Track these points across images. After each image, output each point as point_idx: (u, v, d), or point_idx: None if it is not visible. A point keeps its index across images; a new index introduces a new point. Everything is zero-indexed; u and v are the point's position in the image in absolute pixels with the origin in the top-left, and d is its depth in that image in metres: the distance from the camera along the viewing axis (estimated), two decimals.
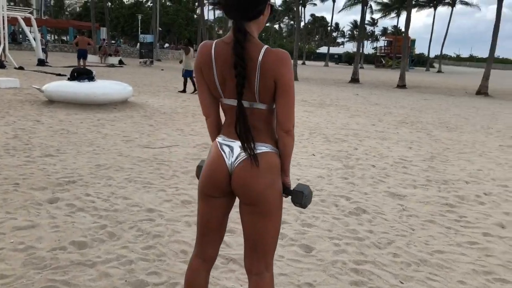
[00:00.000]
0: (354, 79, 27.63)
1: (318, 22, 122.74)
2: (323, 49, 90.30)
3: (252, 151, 1.87)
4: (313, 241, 3.52)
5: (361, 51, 63.51)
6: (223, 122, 2.05)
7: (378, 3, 62.40)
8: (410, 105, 15.18)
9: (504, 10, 22.59)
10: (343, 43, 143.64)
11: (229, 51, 1.82)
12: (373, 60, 73.88)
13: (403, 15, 62.91)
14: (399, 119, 11.42)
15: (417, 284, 2.95)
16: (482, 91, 22.48)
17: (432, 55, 66.54)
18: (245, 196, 1.92)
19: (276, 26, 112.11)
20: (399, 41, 63.60)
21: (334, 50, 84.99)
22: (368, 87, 23.57)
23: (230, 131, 1.94)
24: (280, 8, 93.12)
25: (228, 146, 1.94)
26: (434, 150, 7.52)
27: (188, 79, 14.90)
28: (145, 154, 6.05)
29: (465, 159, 6.90)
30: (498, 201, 4.87)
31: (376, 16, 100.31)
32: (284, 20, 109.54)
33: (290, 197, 2.06)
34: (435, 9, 59.10)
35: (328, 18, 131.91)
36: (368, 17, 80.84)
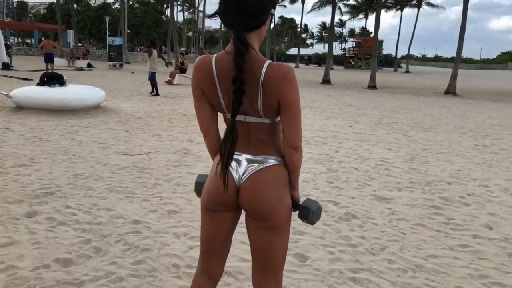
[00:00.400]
0: (326, 80, 27.85)
1: (287, 23, 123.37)
2: (293, 51, 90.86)
3: (226, 173, 1.76)
4: (307, 250, 3.44)
5: (327, 52, 64.20)
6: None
7: (347, 5, 63.31)
8: (383, 106, 15.37)
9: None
10: (312, 45, 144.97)
11: (231, 65, 1.69)
12: (342, 61, 74.84)
13: (371, 17, 64.06)
14: (374, 120, 11.52)
15: None
16: (451, 91, 23.02)
17: (399, 55, 67.79)
18: (254, 211, 1.84)
19: None
20: (368, 42, 64.68)
21: (303, 51, 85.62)
22: (340, 88, 23.79)
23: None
24: None
25: (235, 159, 1.84)
26: (413, 151, 7.59)
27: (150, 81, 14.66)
28: (124, 161, 5.85)
29: (444, 160, 6.98)
30: (481, 201, 4.92)
31: (345, 17, 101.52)
32: None
33: (297, 211, 1.97)
34: (401, 11, 60.32)
35: (297, 20, 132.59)
36: (336, 18, 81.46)
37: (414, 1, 58.59)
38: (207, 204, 1.92)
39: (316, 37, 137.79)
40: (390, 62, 72.59)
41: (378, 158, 6.87)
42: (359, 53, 67.76)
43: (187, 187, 4.85)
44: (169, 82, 19.33)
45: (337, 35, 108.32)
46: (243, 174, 1.82)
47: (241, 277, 2.95)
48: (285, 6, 66.12)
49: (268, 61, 1.71)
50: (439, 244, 3.69)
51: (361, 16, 66.57)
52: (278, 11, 71.69)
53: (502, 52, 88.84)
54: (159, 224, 3.80)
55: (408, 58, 66.52)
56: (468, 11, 23.14)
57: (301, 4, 65.77)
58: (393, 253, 3.46)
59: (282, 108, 1.74)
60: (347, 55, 74.97)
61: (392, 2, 59.63)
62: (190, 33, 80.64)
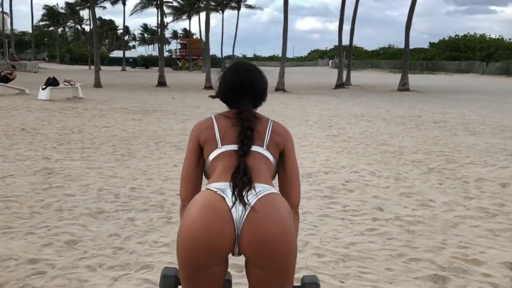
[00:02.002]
0: (162, 83, 27.44)
1: (107, 25, 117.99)
2: (116, 53, 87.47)
3: (247, 200, 1.48)
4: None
5: (159, 54, 63.51)
6: (212, 176, 1.66)
7: (169, 6, 63.15)
8: None
9: (274, 12, 25.34)
10: (134, 47, 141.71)
11: (235, 127, 1.71)
12: (170, 62, 74.62)
13: (194, 19, 65.15)
14: None
15: (356, 281, 3.03)
16: (280, 87, 24.81)
17: (221, 55, 70.28)
18: (269, 260, 1.48)
19: (60, 30, 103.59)
20: (193, 43, 65.90)
21: (128, 54, 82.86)
22: (178, 90, 23.69)
23: (228, 177, 1.56)
24: (63, 11, 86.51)
25: (228, 196, 1.51)
26: None
27: None
28: None
29: (309, 152, 7.46)
30: (361, 186, 5.38)
31: (168, 19, 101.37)
32: (69, 23, 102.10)
33: None
34: (223, 12, 62.77)
35: (117, 22, 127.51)
36: (158, 20, 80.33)
37: (234, 4, 61.51)
38: (192, 261, 1.49)
39: (138, 39, 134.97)
40: (216, 62, 74.93)
41: None
42: (186, 54, 68.51)
43: (73, 211, 4.26)
44: None
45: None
46: (243, 211, 1.48)
47: None
48: (105, 7, 63.21)
49: (270, 119, 1.79)
50: (350, 232, 3.92)
51: (184, 17, 67.19)
52: (97, 13, 67.38)
53: (311, 50, 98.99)
54: (63, 259, 3.25)
55: (233, 58, 69.61)
56: (276, 13, 25.73)
57: (121, 6, 63.70)
58: (317, 247, 3.55)
59: (285, 157, 1.76)
60: (173, 56, 74.97)
61: (214, 4, 61.57)
62: None
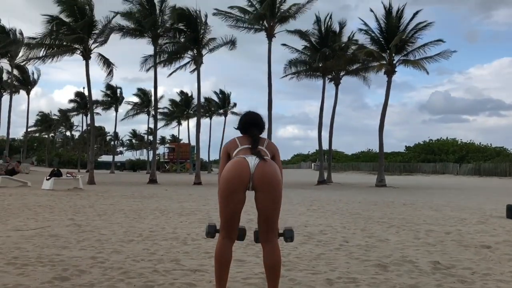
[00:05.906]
0: (153, 180, 28.91)
1: (97, 131, 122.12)
2: (104, 158, 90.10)
3: (263, 157, 3.04)
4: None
5: (146, 158, 65.79)
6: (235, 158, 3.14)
7: (161, 113, 66.89)
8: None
9: None
10: (121, 152, 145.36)
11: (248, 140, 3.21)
12: (158, 166, 76.79)
13: (183, 124, 68.75)
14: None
15: (323, 267, 4.34)
16: None
17: (205, 158, 73.21)
18: (268, 186, 2.96)
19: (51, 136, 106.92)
20: (182, 147, 68.70)
21: (116, 158, 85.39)
22: (169, 186, 25.10)
23: (246, 154, 3.09)
24: (56, 117, 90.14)
25: (248, 159, 3.03)
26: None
27: None
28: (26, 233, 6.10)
29: (292, 217, 8.82)
30: (333, 232, 6.74)
31: (159, 124, 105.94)
32: (59, 129, 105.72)
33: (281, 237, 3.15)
34: (210, 118, 66.56)
35: (107, 128, 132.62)
36: (145, 126, 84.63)
37: (221, 111, 65.59)
38: (230, 188, 2.97)
39: (125, 144, 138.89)
40: (203, 166, 77.29)
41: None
42: (174, 157, 71.02)
43: (109, 241, 5.51)
44: None
45: (149, 142, 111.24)
46: (254, 162, 3.00)
47: None
48: (98, 113, 66.68)
49: (266, 139, 3.29)
50: (321, 250, 5.26)
51: (173, 123, 70.68)
52: (86, 120, 70.72)
53: (294, 154, 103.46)
54: (114, 258, 4.50)
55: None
56: None
57: (109, 113, 67.23)
58: (297, 255, 4.86)
59: (274, 158, 3.23)
60: (161, 160, 77.33)
61: (203, 111, 65.50)
62: None
